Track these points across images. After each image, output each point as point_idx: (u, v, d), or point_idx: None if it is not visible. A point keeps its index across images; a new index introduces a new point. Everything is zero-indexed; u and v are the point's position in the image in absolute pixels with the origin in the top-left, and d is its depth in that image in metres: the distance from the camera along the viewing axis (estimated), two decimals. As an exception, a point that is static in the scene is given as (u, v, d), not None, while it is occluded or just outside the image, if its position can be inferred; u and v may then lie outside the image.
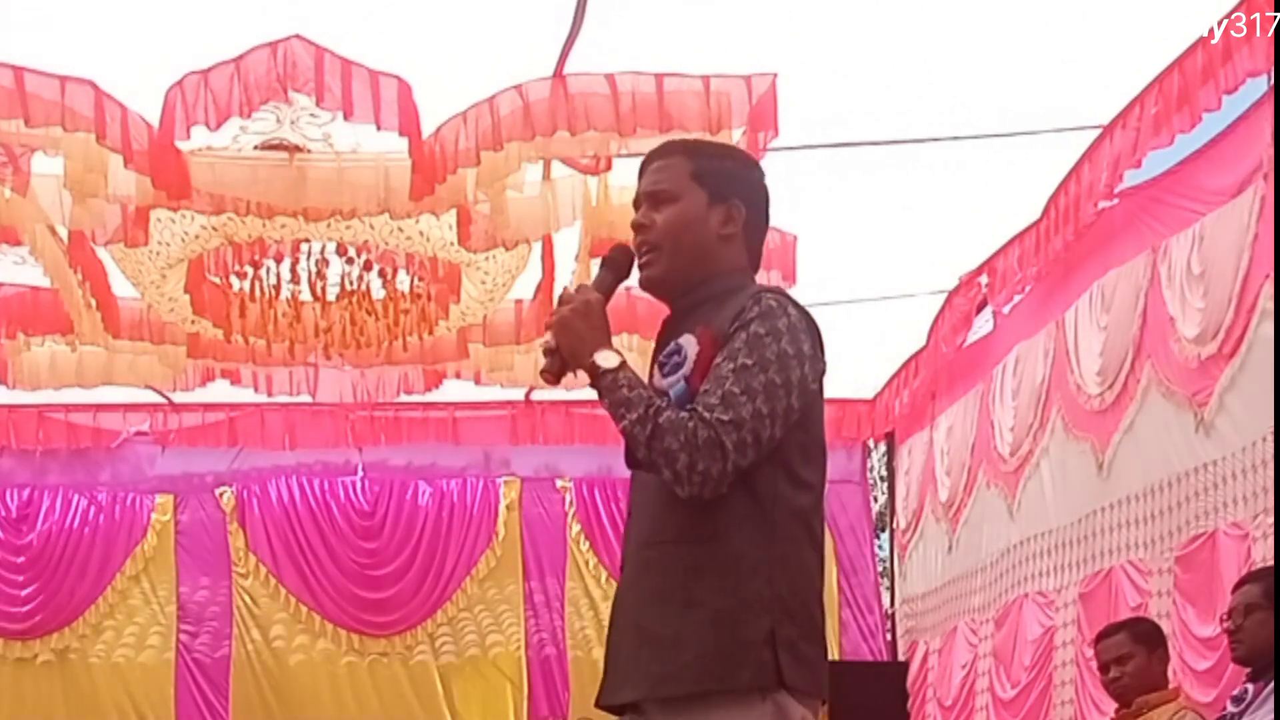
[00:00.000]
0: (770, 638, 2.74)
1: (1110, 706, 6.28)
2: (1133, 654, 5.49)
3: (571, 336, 2.89)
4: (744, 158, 3.19)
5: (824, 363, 2.88)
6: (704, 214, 2.95)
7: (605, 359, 2.84)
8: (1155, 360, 6.08)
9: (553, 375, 2.91)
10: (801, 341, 2.83)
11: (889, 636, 10.09)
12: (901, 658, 9.39)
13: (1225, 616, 4.82)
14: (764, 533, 2.78)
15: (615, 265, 3.01)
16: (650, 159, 3.04)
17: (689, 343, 2.86)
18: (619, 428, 2.82)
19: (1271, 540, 5.13)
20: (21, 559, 10.15)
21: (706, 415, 2.73)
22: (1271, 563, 4.95)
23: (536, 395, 9.64)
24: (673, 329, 2.94)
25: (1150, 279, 6.09)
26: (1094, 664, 6.48)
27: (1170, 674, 5.56)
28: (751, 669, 2.73)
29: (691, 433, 2.73)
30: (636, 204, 3.00)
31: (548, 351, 2.90)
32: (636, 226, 2.99)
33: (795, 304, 2.89)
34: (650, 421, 2.77)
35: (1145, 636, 5.54)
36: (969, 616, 8.27)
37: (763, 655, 2.73)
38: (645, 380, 2.86)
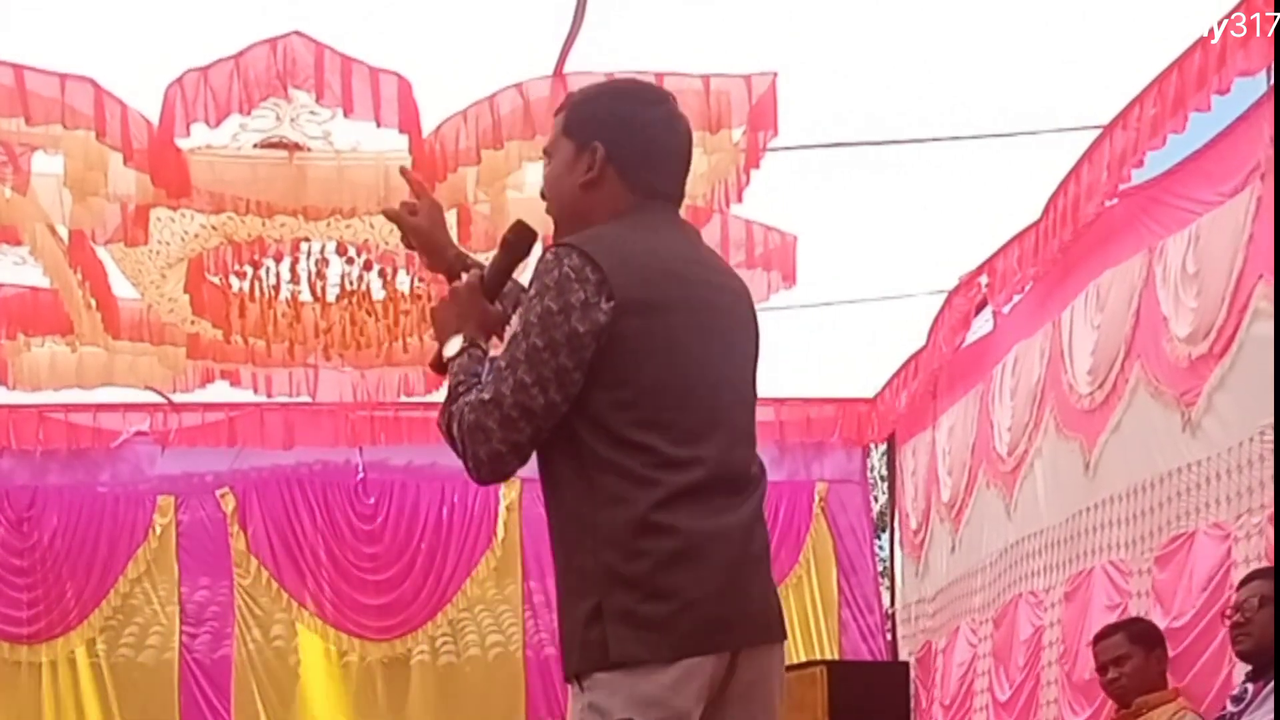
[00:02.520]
0: (596, 614, 2.57)
1: (1085, 709, 6.31)
2: (1130, 654, 5.51)
3: (437, 326, 2.82)
4: (615, 90, 2.95)
5: (605, 310, 2.59)
6: (570, 167, 2.80)
7: (450, 346, 2.74)
8: (1145, 360, 6.08)
9: (433, 366, 2.83)
10: (570, 293, 2.59)
11: (889, 636, 10.09)
12: (912, 658, 9.38)
13: (1231, 610, 4.82)
14: (588, 503, 2.62)
15: (508, 245, 2.90)
16: None
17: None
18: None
19: (1255, 540, 5.15)
20: (23, 561, 10.14)
21: (472, 397, 2.62)
22: (1265, 563, 4.96)
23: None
24: None
25: (1145, 279, 6.09)
26: (1071, 665, 6.51)
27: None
28: (579, 652, 2.60)
29: (462, 418, 2.62)
30: None
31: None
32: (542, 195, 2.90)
33: (582, 250, 2.64)
34: (446, 410, 2.67)
35: (1142, 636, 5.56)
36: (970, 617, 8.28)
37: (589, 635, 2.58)
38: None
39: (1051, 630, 6.96)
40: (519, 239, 2.88)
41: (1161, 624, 5.70)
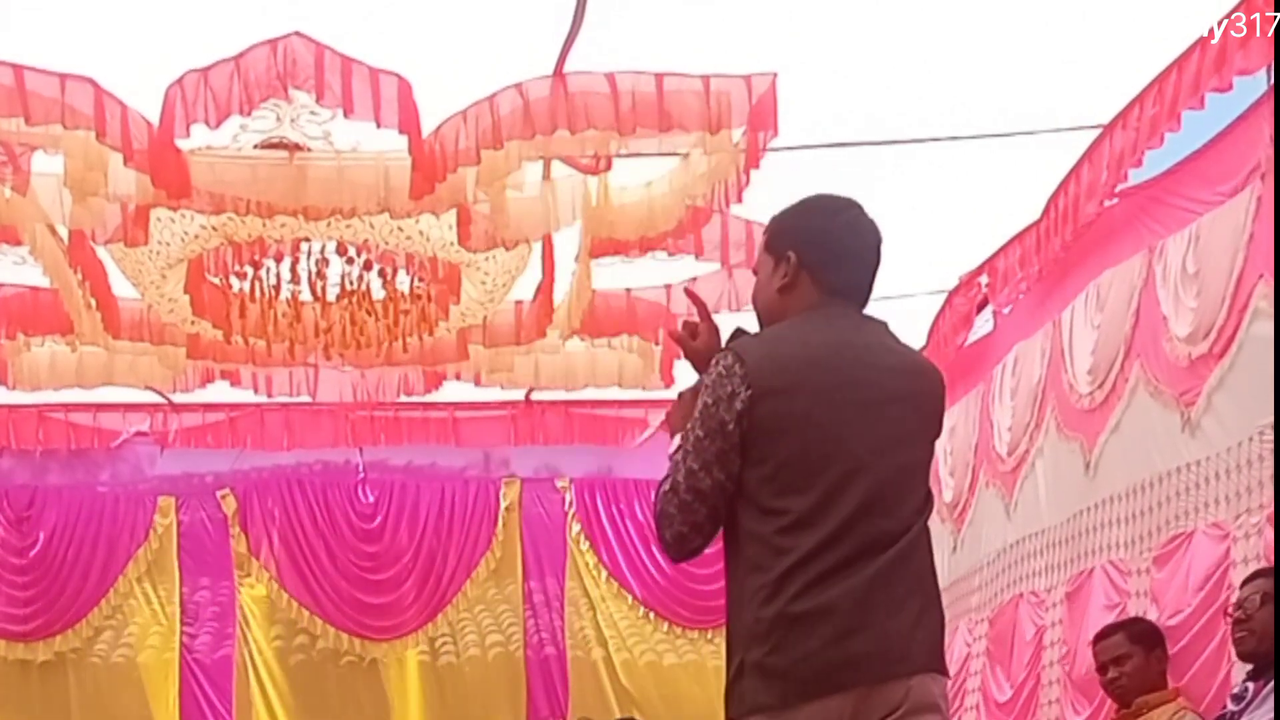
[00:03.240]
0: (741, 668, 2.97)
1: (1085, 709, 6.30)
2: (1130, 654, 5.51)
3: (670, 424, 3.17)
4: (804, 205, 3.28)
5: (743, 399, 2.97)
6: (769, 278, 3.19)
7: (673, 444, 3.10)
8: (1145, 359, 6.07)
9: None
10: (721, 388, 3.00)
11: (889, 637, 10.05)
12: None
13: (1234, 607, 4.82)
14: (738, 569, 3.01)
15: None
16: None
17: None
18: None
19: (1254, 540, 5.14)
20: (23, 560, 10.15)
21: (661, 489, 3.05)
22: (1263, 563, 4.96)
23: (536, 395, 9.64)
24: None
25: (1145, 278, 6.08)
26: (1071, 665, 6.50)
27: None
28: (730, 700, 2.99)
29: (655, 507, 3.06)
30: None
31: None
32: None
33: (736, 351, 3.04)
34: (654, 502, 3.07)
35: (1143, 636, 5.56)
36: (967, 617, 8.27)
37: (736, 688, 2.98)
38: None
39: (1053, 630, 6.95)
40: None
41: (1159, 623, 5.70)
